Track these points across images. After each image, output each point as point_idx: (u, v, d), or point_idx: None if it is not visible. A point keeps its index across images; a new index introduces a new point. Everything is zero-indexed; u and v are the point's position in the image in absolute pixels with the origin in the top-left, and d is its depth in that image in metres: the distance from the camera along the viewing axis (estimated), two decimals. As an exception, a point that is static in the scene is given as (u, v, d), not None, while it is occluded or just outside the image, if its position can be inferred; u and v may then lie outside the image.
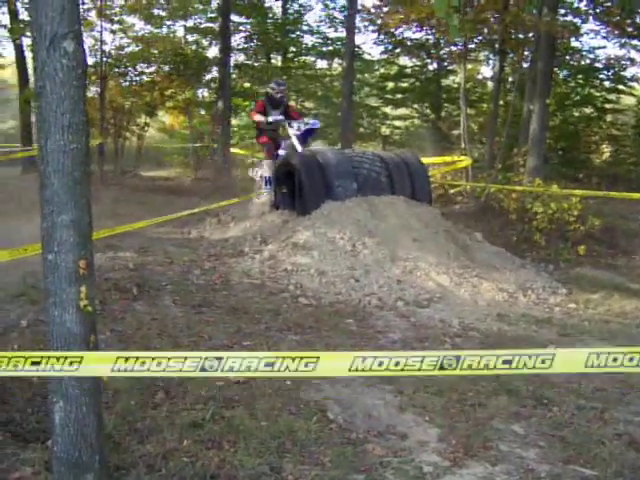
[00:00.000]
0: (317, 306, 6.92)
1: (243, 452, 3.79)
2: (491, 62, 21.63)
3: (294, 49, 23.28)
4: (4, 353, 2.78)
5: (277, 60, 23.45)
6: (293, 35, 23.05)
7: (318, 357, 2.80)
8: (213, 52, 21.31)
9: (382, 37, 21.15)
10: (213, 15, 21.30)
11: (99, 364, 2.91)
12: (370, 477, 3.68)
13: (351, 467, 3.76)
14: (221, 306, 6.68)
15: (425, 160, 10.99)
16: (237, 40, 21.96)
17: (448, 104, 22.71)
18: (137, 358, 2.80)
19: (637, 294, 8.20)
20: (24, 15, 18.09)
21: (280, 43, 22.52)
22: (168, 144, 25.08)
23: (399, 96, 23.43)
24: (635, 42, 18.25)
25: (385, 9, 18.27)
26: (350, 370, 2.78)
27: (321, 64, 24.86)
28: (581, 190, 11.61)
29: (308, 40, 23.38)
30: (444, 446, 4.09)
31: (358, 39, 22.55)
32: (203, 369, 2.80)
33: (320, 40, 23.18)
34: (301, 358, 2.79)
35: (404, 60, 23.49)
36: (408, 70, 23.23)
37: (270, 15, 22.80)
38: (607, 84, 20.62)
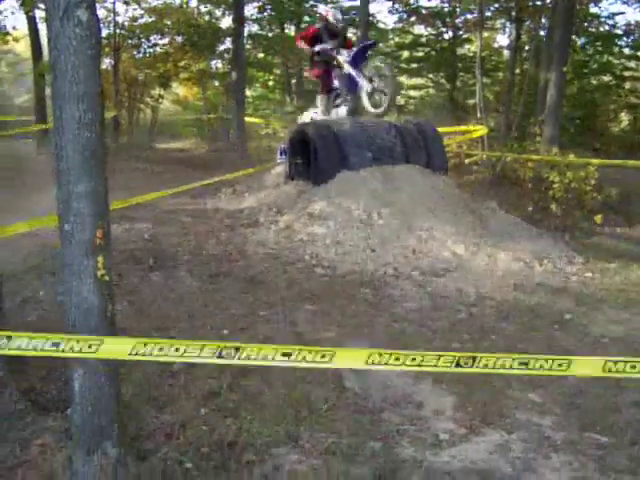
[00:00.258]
0: (333, 276, 6.92)
1: (260, 420, 3.82)
2: (507, 30, 21.38)
3: (308, 19, 23.06)
4: (24, 334, 2.82)
5: (291, 30, 23.27)
6: (307, 4, 22.82)
7: (334, 352, 2.79)
8: (226, 22, 21.18)
9: (397, 6, 20.92)
10: (226, -15, 21.12)
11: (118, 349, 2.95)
12: (386, 445, 3.71)
13: (367, 435, 3.79)
14: (237, 276, 6.70)
15: (440, 129, 10.89)
16: (250, 10, 21.78)
17: (463, 73, 22.46)
18: (155, 344, 2.84)
19: (654, 263, 8.15)
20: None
21: (294, 13, 22.32)
22: (182, 116, 25.06)
23: (414, 65, 23.19)
24: (656, 7, 17.98)
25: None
26: (367, 363, 2.78)
27: (335, 33, 24.65)
28: (598, 159, 11.50)
29: (322, 9, 23.12)
30: (460, 414, 4.11)
31: (372, 8, 22.23)
32: (220, 356, 2.83)
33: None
34: (317, 352, 2.79)
35: (419, 29, 23.22)
36: (423, 39, 22.95)
37: (284, -16, 22.60)
38: (626, 51, 20.31)
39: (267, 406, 3.99)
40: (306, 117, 10.94)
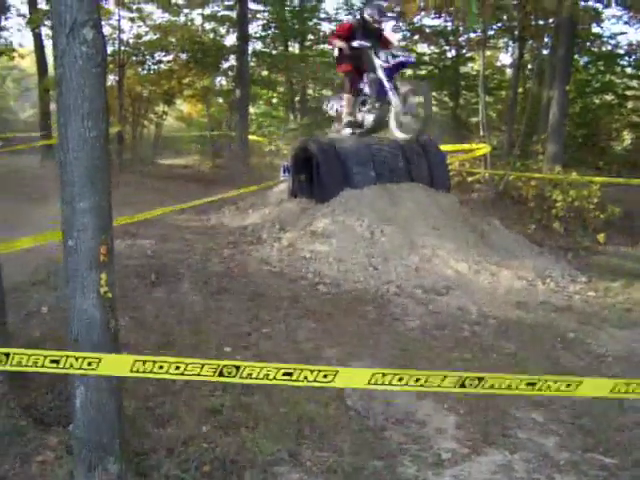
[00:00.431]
0: (335, 293, 6.92)
1: (262, 438, 3.81)
2: (510, 49, 21.39)
3: (312, 36, 23.17)
4: (24, 351, 2.81)
5: (294, 48, 23.36)
6: (311, 22, 22.91)
7: (337, 372, 2.78)
8: (231, 40, 21.26)
9: (400, 24, 20.98)
10: (230, 3, 21.22)
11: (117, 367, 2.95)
12: (388, 464, 3.69)
13: (370, 454, 3.77)
14: (240, 293, 6.69)
15: (443, 147, 10.91)
16: (255, 28, 21.89)
17: (466, 91, 22.50)
18: (154, 362, 2.84)
19: (658, 282, 8.13)
20: (43, 4, 18.14)
21: (298, 30, 22.42)
22: (186, 132, 25.13)
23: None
24: (658, 28, 18.01)
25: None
26: (369, 383, 2.77)
27: (339, 52, 24.73)
28: (601, 177, 11.51)
29: (326, 27, 23.26)
30: (462, 433, 4.10)
31: (376, 26, 22.25)
32: (221, 374, 2.82)
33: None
34: (319, 371, 2.78)
35: (422, 47, 23.30)
36: (426, 57, 23.03)
37: (287, 2, 22.67)
38: (629, 70, 20.34)
39: (269, 424, 3.98)
40: (331, 108, 10.51)
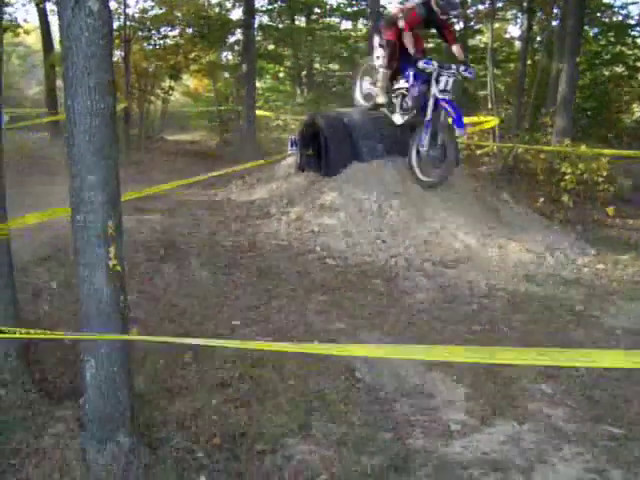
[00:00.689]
0: (344, 267, 6.92)
1: (272, 410, 3.83)
2: (519, 21, 21.17)
3: (318, 10, 22.97)
4: (41, 331, 2.82)
5: (301, 21, 23.19)
6: (317, -5, 22.74)
7: (350, 351, 2.79)
8: (237, 14, 21.09)
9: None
10: (237, -24, 21.05)
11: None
12: (398, 435, 3.71)
13: (379, 426, 3.79)
14: (248, 267, 6.70)
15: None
16: (261, 1, 21.69)
17: (475, 64, 22.28)
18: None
19: (667, 255, 8.11)
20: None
21: (304, 4, 22.23)
22: (193, 108, 25.03)
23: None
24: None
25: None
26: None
27: (346, 25, 24.54)
28: (610, 150, 11.42)
29: (333, 0, 23.08)
30: (471, 405, 4.11)
31: (383, -2, 22.01)
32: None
33: (344, 0, 22.87)
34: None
35: (430, 20, 23.07)
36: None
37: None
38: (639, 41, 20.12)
39: (278, 397, 4.00)
40: (365, 72, 9.63)
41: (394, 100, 8.92)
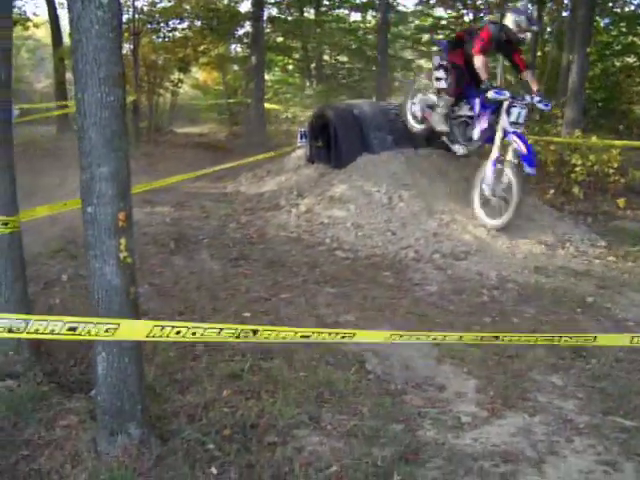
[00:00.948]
0: (354, 259, 6.92)
1: (282, 402, 3.83)
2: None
3: (327, 2, 22.92)
4: (43, 317, 2.81)
5: (310, 13, 23.15)
6: (325, -12, 22.68)
7: (354, 334, 2.78)
8: (245, 6, 21.13)
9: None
10: (245, -32, 21.02)
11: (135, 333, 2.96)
12: (408, 427, 3.70)
13: (389, 417, 3.78)
14: (258, 259, 6.71)
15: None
16: (270, -7, 21.67)
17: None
18: (173, 327, 2.84)
19: (678, 246, 8.06)
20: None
21: (313, -5, 22.20)
22: (202, 100, 25.05)
23: (434, 49, 22.94)
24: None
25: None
26: (387, 338, 2.77)
27: (355, 17, 24.49)
28: (621, 141, 11.35)
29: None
30: (482, 397, 4.10)
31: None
32: (238, 338, 2.83)
33: (354, -8, 22.83)
34: (337, 334, 2.77)
35: (439, 11, 22.98)
36: (444, 22, 22.73)
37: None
38: (652, 32, 19.97)
39: (289, 388, 4.00)
40: (416, 91, 9.00)
41: (455, 129, 8.30)
